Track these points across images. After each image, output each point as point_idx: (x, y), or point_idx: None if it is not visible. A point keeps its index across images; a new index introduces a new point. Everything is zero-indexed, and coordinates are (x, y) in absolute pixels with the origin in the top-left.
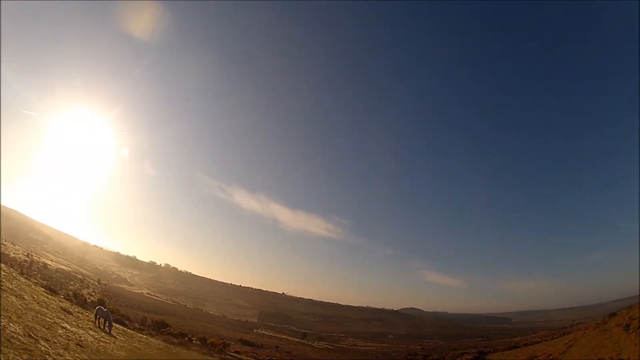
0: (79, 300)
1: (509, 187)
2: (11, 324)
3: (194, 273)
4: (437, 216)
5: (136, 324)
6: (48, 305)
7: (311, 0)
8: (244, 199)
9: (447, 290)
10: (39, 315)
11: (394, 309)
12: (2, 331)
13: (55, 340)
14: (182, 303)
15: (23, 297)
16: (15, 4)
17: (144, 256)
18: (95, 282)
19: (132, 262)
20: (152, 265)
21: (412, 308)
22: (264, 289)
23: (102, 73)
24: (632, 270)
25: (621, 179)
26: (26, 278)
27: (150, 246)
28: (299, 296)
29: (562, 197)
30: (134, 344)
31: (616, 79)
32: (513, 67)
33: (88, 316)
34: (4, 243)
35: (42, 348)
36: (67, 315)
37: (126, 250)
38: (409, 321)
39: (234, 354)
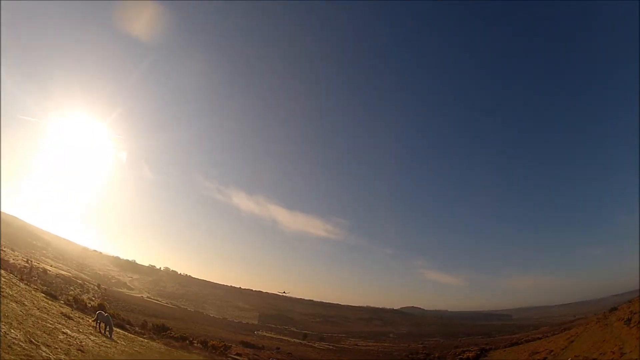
0: (79, 305)
1: (507, 184)
2: (12, 330)
3: (193, 276)
4: (436, 215)
5: (137, 328)
6: (48, 311)
7: (310, 1)
8: (243, 201)
9: (447, 289)
10: (40, 321)
11: (395, 308)
12: (3, 338)
13: (56, 346)
14: (182, 306)
15: (23, 303)
16: (12, 4)
17: (144, 260)
18: (95, 287)
19: (131, 266)
20: (151, 269)
21: (412, 307)
22: (264, 291)
23: (99, 76)
24: (632, 264)
25: (619, 174)
26: (26, 284)
27: (149, 250)
28: (299, 297)
29: (560, 192)
30: (135, 348)
31: (613, 74)
32: (509, 65)
33: (89, 321)
34: (4, 249)
35: (43, 354)
36: (68, 321)
37: (125, 255)
38: (409, 320)
39: (235, 356)
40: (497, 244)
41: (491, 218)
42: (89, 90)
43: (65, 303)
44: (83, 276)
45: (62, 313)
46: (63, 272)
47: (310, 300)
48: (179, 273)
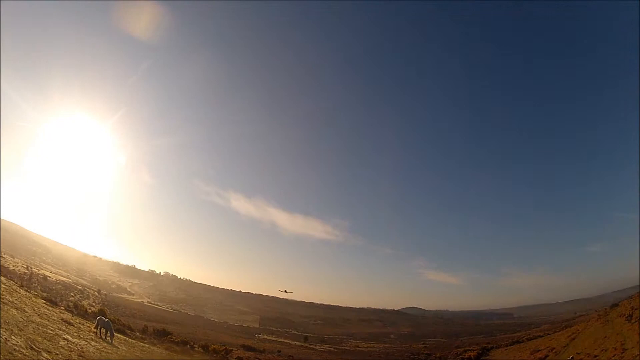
0: (79, 311)
1: (506, 183)
2: (13, 337)
3: (193, 280)
4: (435, 214)
5: (138, 333)
6: (49, 317)
7: (309, 1)
8: (242, 204)
9: (447, 288)
10: (40, 328)
11: (395, 309)
12: (4, 344)
13: (57, 352)
14: (182, 311)
15: (24, 310)
16: (9, 4)
17: (143, 265)
18: (96, 293)
19: (131, 272)
20: (151, 273)
21: (413, 307)
22: (265, 294)
23: (98, 78)
24: (632, 260)
25: (619, 170)
26: (26, 290)
27: (149, 255)
28: (299, 299)
29: (559, 190)
30: (136, 353)
31: (613, 74)
32: (509, 65)
33: (89, 327)
34: (4, 256)
35: None
36: (69, 327)
37: (125, 260)
38: (410, 320)
39: None
40: (496, 242)
41: (490, 217)
42: (87, 93)
43: (65, 309)
44: (83, 282)
45: (62, 319)
46: (63, 278)
47: (310, 302)
48: (179, 278)
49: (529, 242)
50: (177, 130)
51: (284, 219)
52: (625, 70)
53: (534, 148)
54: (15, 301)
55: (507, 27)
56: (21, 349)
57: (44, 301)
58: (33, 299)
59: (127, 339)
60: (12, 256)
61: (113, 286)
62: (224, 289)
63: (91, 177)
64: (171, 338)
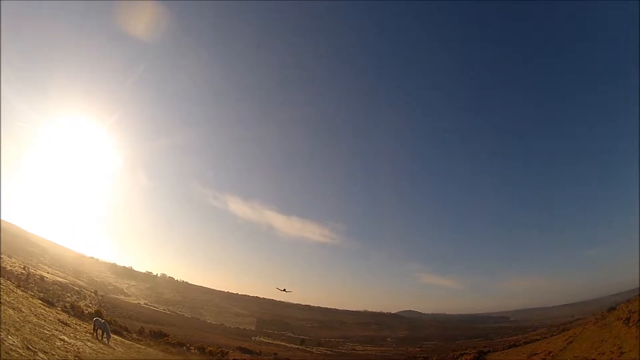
0: (76, 312)
1: (503, 185)
2: (9, 337)
3: (190, 282)
4: (433, 218)
5: (134, 335)
6: (46, 318)
7: (309, 1)
8: (239, 207)
9: (444, 292)
10: (37, 328)
11: (392, 312)
12: (0, 344)
13: (54, 352)
14: (179, 312)
15: (21, 310)
16: (9, 4)
17: (140, 267)
18: (92, 294)
19: (128, 273)
20: (148, 275)
21: (409, 310)
22: (261, 297)
23: (97, 79)
24: (630, 264)
25: (617, 174)
26: (23, 291)
27: (146, 256)
28: (296, 302)
29: (557, 193)
30: (132, 355)
31: (613, 74)
32: (507, 66)
33: (86, 328)
34: (1, 256)
35: None
36: (65, 327)
37: (122, 261)
38: (407, 324)
39: None
40: (493, 245)
41: (486, 220)
42: (86, 94)
43: (62, 310)
44: (80, 283)
45: (59, 320)
46: (60, 279)
47: (307, 305)
48: (176, 279)
49: (525, 245)
50: (174, 133)
51: (281, 222)
52: (626, 70)
53: (533, 151)
54: (12, 301)
55: (507, 27)
56: (18, 349)
57: (40, 302)
58: (30, 299)
59: (124, 340)
60: (9, 256)
61: (110, 287)
62: (220, 291)
63: (89, 178)
64: (167, 340)
